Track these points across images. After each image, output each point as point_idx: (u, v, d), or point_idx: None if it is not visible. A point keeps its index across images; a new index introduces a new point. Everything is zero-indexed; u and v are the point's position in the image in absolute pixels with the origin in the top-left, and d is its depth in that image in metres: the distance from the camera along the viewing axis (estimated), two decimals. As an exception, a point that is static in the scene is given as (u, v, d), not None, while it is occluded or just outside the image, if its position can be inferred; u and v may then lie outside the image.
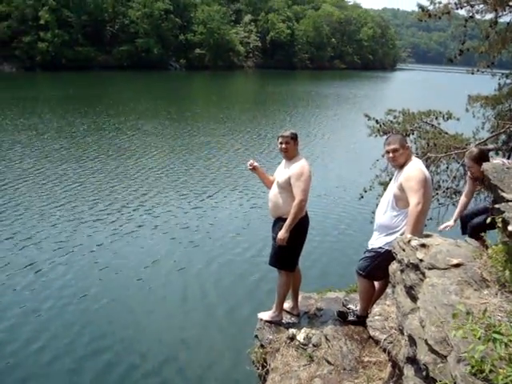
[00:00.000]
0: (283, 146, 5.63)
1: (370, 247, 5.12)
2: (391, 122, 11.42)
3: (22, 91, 41.28)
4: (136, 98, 41.72)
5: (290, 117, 37.51)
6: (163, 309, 9.99)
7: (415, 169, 4.75)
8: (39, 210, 14.56)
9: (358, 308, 5.50)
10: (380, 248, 4.95)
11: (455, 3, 10.04)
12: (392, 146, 4.93)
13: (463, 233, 6.11)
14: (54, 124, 27.92)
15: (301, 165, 5.56)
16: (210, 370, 8.22)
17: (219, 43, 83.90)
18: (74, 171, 18.77)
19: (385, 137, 11.20)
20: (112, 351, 8.54)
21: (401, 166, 4.92)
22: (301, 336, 5.58)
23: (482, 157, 5.69)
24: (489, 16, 10.44)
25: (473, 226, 5.81)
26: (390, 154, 4.95)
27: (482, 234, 5.80)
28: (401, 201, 4.82)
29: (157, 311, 9.90)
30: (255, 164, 6.09)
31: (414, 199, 4.59)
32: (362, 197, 11.58)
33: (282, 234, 5.45)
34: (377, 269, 4.96)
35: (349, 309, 5.67)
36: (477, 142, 10.61)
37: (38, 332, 8.84)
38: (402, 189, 4.75)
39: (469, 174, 6.18)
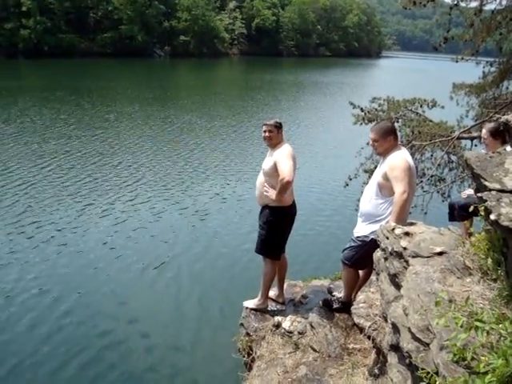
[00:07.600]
0: (267, 134, 5.68)
1: (355, 235, 5.12)
2: (376, 109, 11.42)
3: (4, 80, 40.65)
4: (120, 87, 41.38)
5: (275, 104, 37.40)
6: (147, 299, 9.95)
7: (399, 158, 4.75)
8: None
9: (342, 295, 5.54)
10: (365, 236, 4.96)
11: (440, -10, 10.02)
12: (371, 136, 4.98)
13: (450, 219, 6.15)
14: (37, 116, 27.56)
15: (285, 148, 5.63)
16: (196, 359, 8.21)
17: (204, 30, 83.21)
18: (56, 164, 18.63)
19: (370, 125, 11.26)
20: (95, 342, 8.49)
21: (385, 155, 4.92)
22: (286, 324, 5.62)
23: (501, 132, 5.53)
24: (473, 4, 10.44)
25: (461, 206, 5.83)
26: (371, 143, 5.03)
27: (466, 221, 5.85)
28: (385, 189, 4.83)
29: (139, 301, 9.85)
30: None
31: (399, 188, 4.60)
32: (347, 185, 11.57)
33: (272, 195, 5.57)
34: (362, 258, 4.99)
35: (333, 296, 5.70)
36: (461, 130, 10.66)
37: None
38: (386, 178, 4.76)
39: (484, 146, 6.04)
